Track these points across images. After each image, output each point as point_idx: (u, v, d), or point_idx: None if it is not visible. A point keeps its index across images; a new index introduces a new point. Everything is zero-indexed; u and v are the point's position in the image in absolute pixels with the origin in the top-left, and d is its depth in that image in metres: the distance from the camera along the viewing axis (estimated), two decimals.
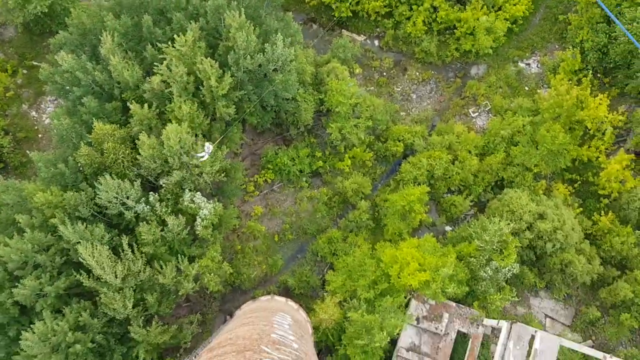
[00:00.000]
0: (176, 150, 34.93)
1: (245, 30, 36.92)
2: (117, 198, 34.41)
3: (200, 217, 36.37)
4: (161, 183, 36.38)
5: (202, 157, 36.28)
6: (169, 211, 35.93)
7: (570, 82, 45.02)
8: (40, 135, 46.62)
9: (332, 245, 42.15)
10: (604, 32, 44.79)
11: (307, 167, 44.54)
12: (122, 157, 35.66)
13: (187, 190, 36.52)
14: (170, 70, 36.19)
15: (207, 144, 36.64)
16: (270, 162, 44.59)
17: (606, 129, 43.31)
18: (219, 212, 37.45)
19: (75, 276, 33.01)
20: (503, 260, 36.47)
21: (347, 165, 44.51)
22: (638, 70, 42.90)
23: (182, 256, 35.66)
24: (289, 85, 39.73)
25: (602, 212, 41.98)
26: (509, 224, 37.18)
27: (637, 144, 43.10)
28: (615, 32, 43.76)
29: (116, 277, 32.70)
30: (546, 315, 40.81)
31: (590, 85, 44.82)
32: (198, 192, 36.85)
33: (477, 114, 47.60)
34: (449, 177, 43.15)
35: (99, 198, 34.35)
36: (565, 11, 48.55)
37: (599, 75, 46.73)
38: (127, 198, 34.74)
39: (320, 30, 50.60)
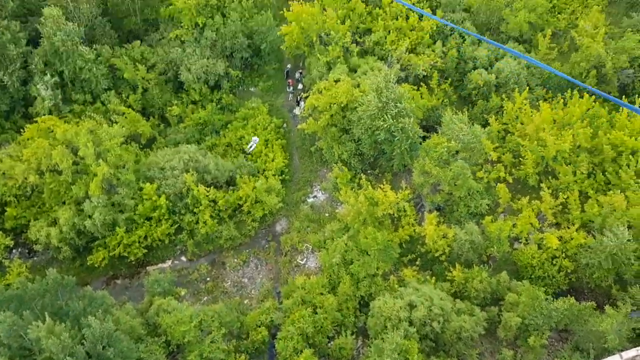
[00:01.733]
0: None
1: (55, 333, 34.20)
2: None
3: None
4: None
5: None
6: None
7: (353, 190, 50.21)
8: None
9: None
10: (348, 140, 51.66)
11: None
12: None
13: None
14: None
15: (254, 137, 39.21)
16: None
17: (404, 206, 48.64)
18: None
19: None
20: None
21: None
22: (390, 151, 49.85)
23: None
24: (125, 352, 37.15)
25: (450, 268, 45.76)
26: (400, 334, 38.19)
27: (432, 201, 48.94)
28: (355, 134, 50.83)
29: None
30: None
31: (369, 183, 50.48)
32: None
33: (305, 259, 49.71)
34: (322, 327, 43.21)
35: None
36: (313, 142, 55.11)
37: (369, 172, 53.13)
38: None
39: (126, 281, 49.15)
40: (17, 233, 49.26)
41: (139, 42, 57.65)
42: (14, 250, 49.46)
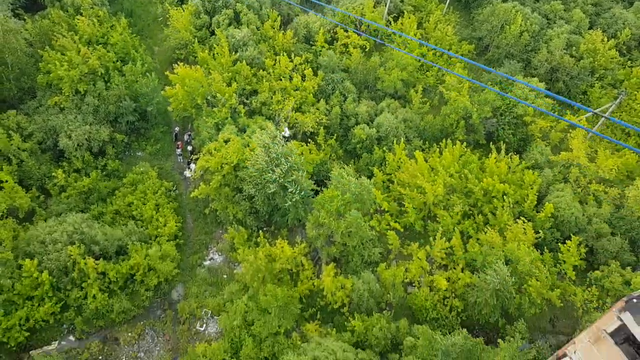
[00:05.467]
0: None
1: None
2: None
3: None
4: None
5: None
6: None
7: (250, 248, 50.13)
8: None
9: None
10: (242, 199, 51.91)
11: None
12: None
13: None
14: None
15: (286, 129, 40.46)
16: None
17: (301, 260, 49.29)
18: None
19: None
20: None
21: None
22: (285, 208, 50.68)
23: None
24: None
25: (350, 319, 46.61)
26: None
27: (328, 254, 50.05)
28: (248, 192, 51.19)
29: None
30: None
31: (266, 240, 50.73)
32: None
33: (204, 325, 48.24)
34: None
35: None
36: (206, 204, 54.53)
37: (265, 229, 53.44)
38: None
39: None
40: None
41: (14, 111, 54.65)
42: None
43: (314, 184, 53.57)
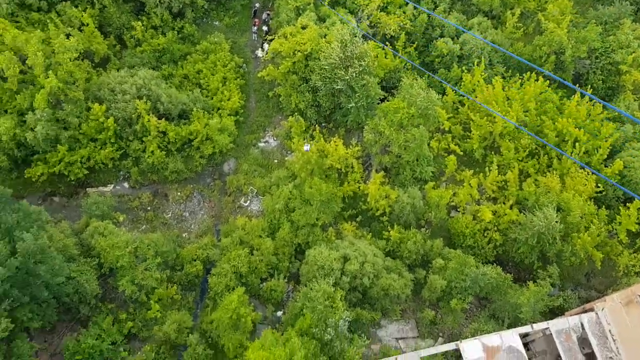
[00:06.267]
0: None
1: None
2: None
3: None
4: None
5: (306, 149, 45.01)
6: None
7: (305, 140, 50.46)
8: None
9: None
10: (307, 90, 51.50)
11: (118, 336, 41.25)
12: None
13: None
14: None
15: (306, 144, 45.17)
16: (76, 353, 40.16)
17: (352, 162, 49.44)
18: None
19: None
20: (335, 314, 38.45)
21: (158, 311, 42.47)
22: (347, 106, 50.07)
23: None
24: (56, 270, 36.96)
25: (388, 228, 47.19)
26: (328, 282, 39.49)
27: (380, 162, 49.87)
28: (314, 83, 50.60)
29: None
30: (396, 339, 43.92)
31: (322, 136, 50.78)
32: None
33: (248, 202, 50.08)
34: (256, 268, 44.22)
35: None
36: (272, 87, 54.54)
37: (323, 124, 53.34)
38: None
39: (64, 199, 48.25)
40: None
41: None
42: None
43: (382, 89, 52.17)
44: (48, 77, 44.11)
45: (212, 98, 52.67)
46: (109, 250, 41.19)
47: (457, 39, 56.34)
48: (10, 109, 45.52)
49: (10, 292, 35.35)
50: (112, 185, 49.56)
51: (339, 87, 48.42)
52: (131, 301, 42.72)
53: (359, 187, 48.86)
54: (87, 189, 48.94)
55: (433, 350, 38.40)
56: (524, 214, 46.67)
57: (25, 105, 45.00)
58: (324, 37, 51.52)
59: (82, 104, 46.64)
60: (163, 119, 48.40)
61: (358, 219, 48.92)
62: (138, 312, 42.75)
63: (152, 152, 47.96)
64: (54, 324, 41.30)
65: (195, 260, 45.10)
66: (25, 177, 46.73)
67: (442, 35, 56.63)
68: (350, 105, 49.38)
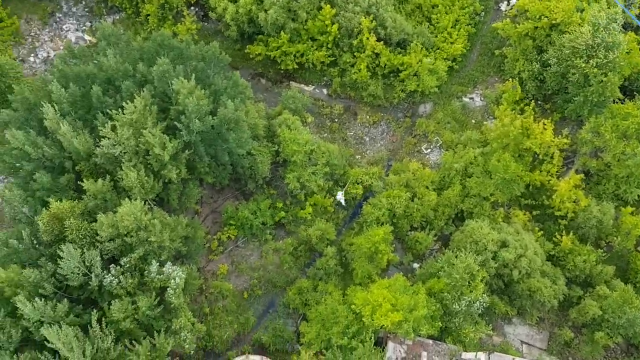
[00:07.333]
0: (133, 228, 34.31)
1: (196, 95, 37.21)
2: (79, 268, 33.24)
3: (172, 288, 35.02)
4: (122, 262, 35.23)
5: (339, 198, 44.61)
6: (136, 284, 34.83)
7: (514, 111, 46.90)
8: None
9: (303, 295, 41.64)
10: (537, 60, 47.15)
11: (269, 219, 44.33)
12: (84, 231, 34.78)
13: (153, 261, 35.38)
14: (116, 134, 35.97)
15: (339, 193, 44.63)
16: (231, 218, 44.18)
17: (554, 153, 45.04)
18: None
19: (39, 358, 31.38)
20: (472, 292, 36.69)
21: (309, 213, 44.51)
22: (574, 94, 45.07)
23: (155, 331, 34.34)
24: (242, 142, 40.00)
25: (562, 233, 42.97)
26: (476, 258, 37.62)
27: (584, 163, 44.81)
28: (548, 58, 46.07)
29: (85, 357, 31.13)
30: (522, 342, 41.01)
31: (533, 113, 46.69)
32: (168, 262, 35.88)
33: (429, 150, 48.82)
34: (410, 215, 43.66)
35: (60, 268, 33.05)
36: (500, 45, 50.92)
37: (539, 102, 48.92)
38: (91, 267, 33.67)
39: (269, 83, 51.49)
40: None
41: None
42: (192, 7, 52.73)
43: (620, 89, 45.51)
44: None
45: (436, 36, 50.90)
46: (289, 144, 43.41)
47: None
48: None
49: (198, 144, 39.30)
50: (313, 87, 51.49)
51: (573, 73, 43.48)
52: (291, 195, 45.23)
53: (550, 180, 44.61)
54: (291, 82, 51.51)
55: None
56: None
57: None
58: (581, 12, 45.97)
59: (316, 2, 48.00)
60: (381, 42, 48.16)
61: (534, 212, 45.15)
62: (292, 207, 45.20)
63: (360, 69, 48.40)
64: (223, 187, 45.55)
65: (358, 183, 45.81)
66: (245, 52, 50.46)
67: None
68: (579, 95, 44.28)
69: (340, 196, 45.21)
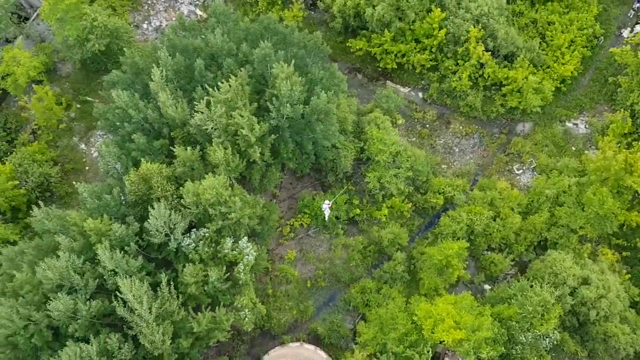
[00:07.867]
0: (214, 202, 35.33)
1: (291, 81, 37.62)
2: (163, 227, 34.74)
3: (243, 264, 35.97)
4: (202, 233, 36.52)
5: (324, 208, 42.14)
6: (210, 254, 35.98)
7: (619, 145, 43.89)
8: (87, 168, 48.07)
9: (365, 295, 41.30)
10: None
11: (343, 214, 44.21)
12: (169, 194, 36.31)
13: (227, 237, 36.40)
14: (210, 110, 37.06)
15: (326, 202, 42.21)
16: (307, 206, 44.48)
17: None
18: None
19: (110, 303, 33.16)
20: (542, 325, 34.74)
21: (385, 215, 43.94)
22: None
23: (218, 304, 35.40)
24: (329, 134, 40.06)
25: None
26: (552, 292, 35.59)
27: None
28: None
29: (150, 313, 32.58)
30: None
31: None
32: (244, 238, 36.85)
33: (521, 171, 46.66)
34: (490, 234, 41.99)
35: (148, 223, 34.66)
36: (616, 73, 47.68)
37: None
38: (173, 229, 35.10)
39: (365, 80, 51.19)
40: None
41: None
42: None
43: None
44: None
45: (547, 54, 48.41)
46: (375, 142, 43.00)
47: None
48: None
49: (284, 130, 39.75)
50: (409, 89, 50.61)
51: None
52: (368, 194, 44.84)
53: None
54: (388, 81, 50.88)
55: None
56: None
57: None
58: None
59: (427, 3, 47.07)
60: (489, 53, 46.48)
61: (624, 253, 42.06)
62: (368, 206, 44.84)
63: (461, 77, 46.99)
64: (303, 175, 45.93)
65: (440, 193, 44.59)
66: (346, 45, 50.39)
67: None
68: None
69: (326, 206, 42.71)
